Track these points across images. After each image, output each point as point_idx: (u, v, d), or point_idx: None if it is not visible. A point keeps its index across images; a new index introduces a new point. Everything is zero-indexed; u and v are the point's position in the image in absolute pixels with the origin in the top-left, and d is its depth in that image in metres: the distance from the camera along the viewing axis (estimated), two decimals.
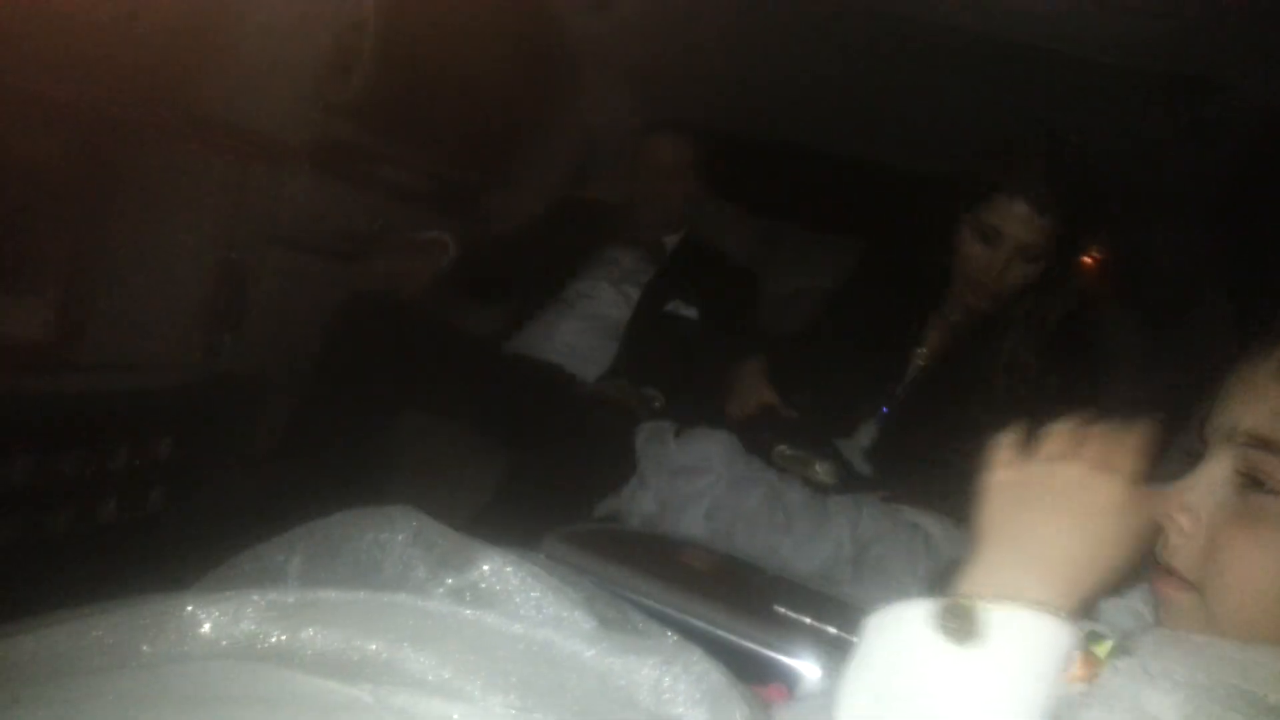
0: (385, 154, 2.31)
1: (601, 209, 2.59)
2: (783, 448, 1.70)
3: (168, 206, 1.72)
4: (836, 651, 1.25)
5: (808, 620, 1.35)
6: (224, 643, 0.65)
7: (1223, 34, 1.84)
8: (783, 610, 1.36)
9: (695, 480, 1.61)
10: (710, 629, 1.27)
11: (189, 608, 0.65)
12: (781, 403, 1.85)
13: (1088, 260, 1.95)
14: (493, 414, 2.09)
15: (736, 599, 1.38)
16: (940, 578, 1.57)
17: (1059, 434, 0.75)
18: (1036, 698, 0.63)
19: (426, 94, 2.28)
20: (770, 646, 1.25)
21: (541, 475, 1.86)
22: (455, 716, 0.64)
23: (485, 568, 0.78)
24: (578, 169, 2.96)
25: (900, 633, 0.66)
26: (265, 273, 1.99)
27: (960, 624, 0.64)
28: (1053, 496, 0.71)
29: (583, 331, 2.31)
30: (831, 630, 1.36)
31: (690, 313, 2.35)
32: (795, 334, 2.15)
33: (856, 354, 1.89)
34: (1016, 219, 1.70)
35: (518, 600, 0.76)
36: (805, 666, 1.24)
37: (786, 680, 1.21)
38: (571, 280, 2.39)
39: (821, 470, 1.72)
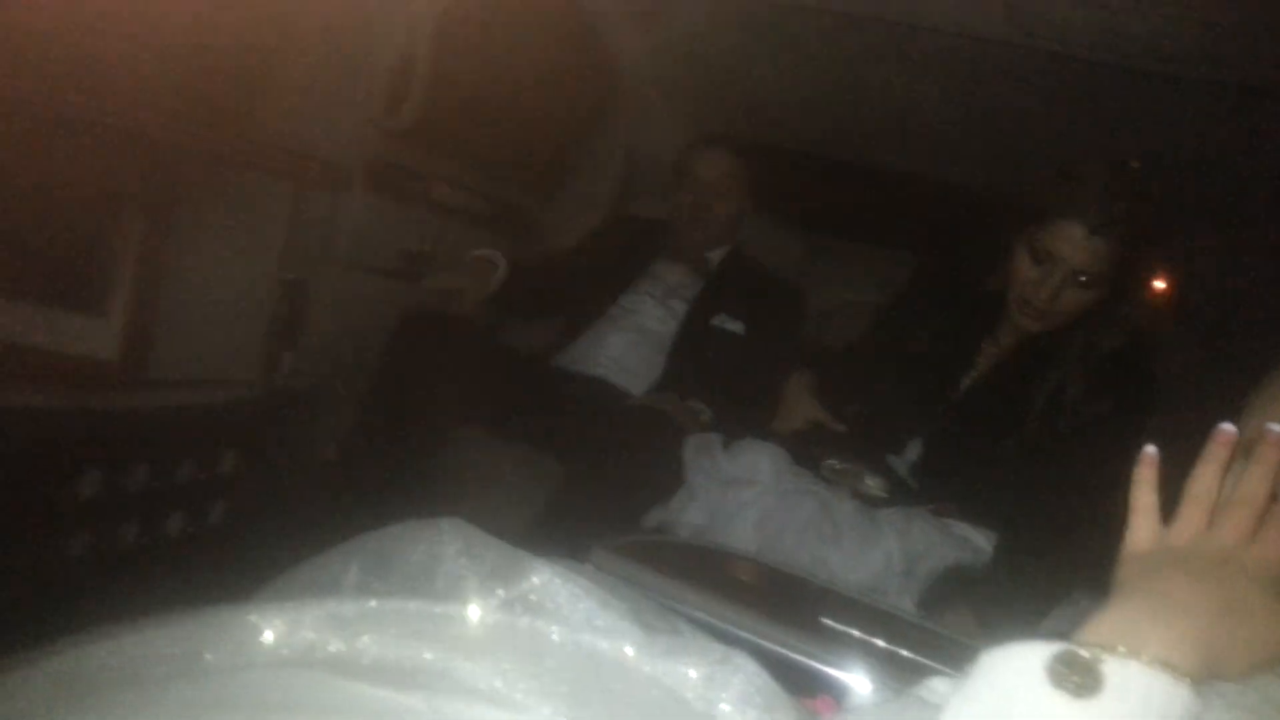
0: (438, 175, 2.37)
1: (647, 225, 2.62)
2: (832, 461, 1.71)
3: (230, 228, 1.78)
4: (885, 664, 1.25)
5: (856, 633, 1.35)
6: (284, 652, 0.68)
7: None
8: (831, 622, 1.36)
9: (744, 491, 1.62)
10: (757, 640, 1.27)
11: (251, 618, 0.68)
12: (830, 416, 1.85)
13: (1149, 290, 1.91)
14: (543, 428, 2.12)
15: (784, 610, 1.38)
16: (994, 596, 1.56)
17: (1240, 512, 0.71)
18: None
19: (477, 117, 2.33)
20: (818, 658, 1.25)
21: (591, 488, 1.88)
22: None
23: (535, 580, 0.80)
24: (623, 185, 2.99)
25: (1013, 675, 0.62)
26: (323, 291, 2.05)
27: (1078, 676, 0.60)
28: (1214, 568, 0.68)
29: (630, 346, 2.34)
30: (880, 643, 1.36)
31: (736, 327, 2.37)
32: (844, 349, 2.15)
33: (906, 370, 1.89)
34: (1071, 242, 1.67)
35: (566, 611, 0.78)
36: (854, 679, 1.24)
37: (835, 693, 1.21)
38: (619, 296, 2.41)
39: (871, 484, 1.72)
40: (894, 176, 2.87)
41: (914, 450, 1.87)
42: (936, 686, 0.77)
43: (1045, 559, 1.56)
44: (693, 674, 0.71)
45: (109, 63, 1.74)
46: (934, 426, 1.84)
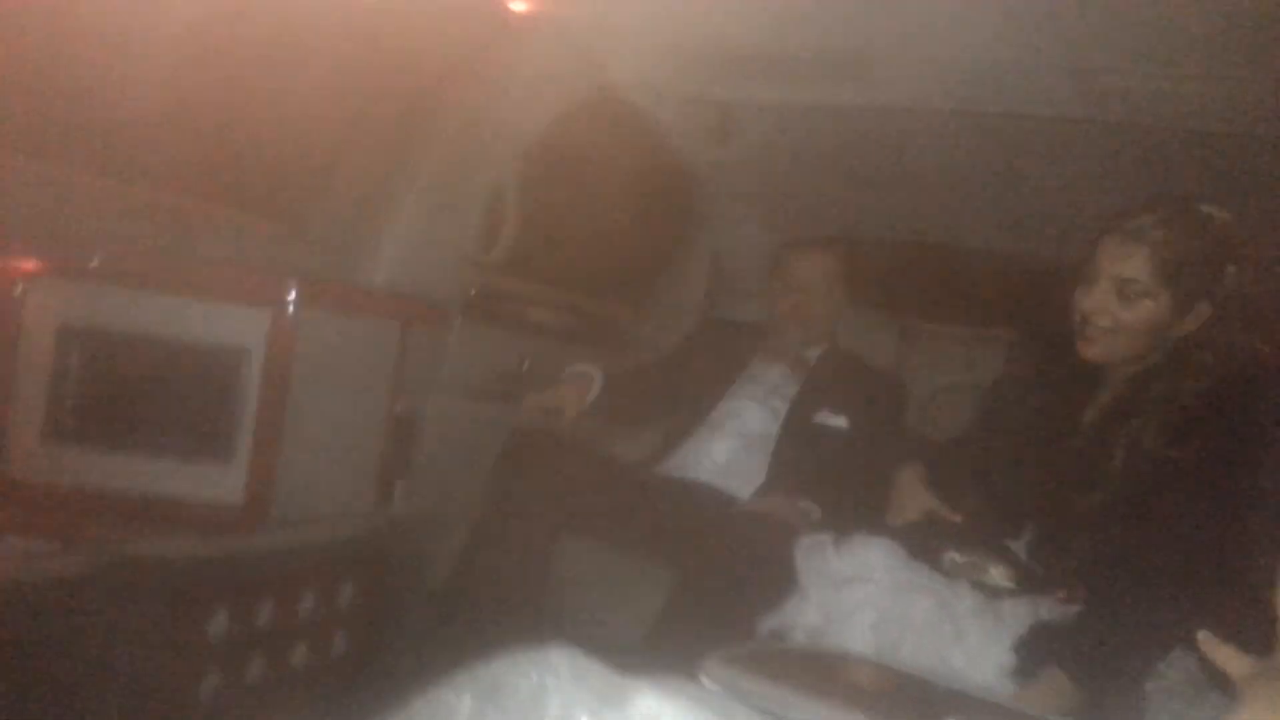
0: (531, 299, 2.47)
1: (739, 328, 2.65)
2: (953, 554, 1.65)
3: (342, 370, 1.88)
4: None
5: None
6: None
7: None
8: None
9: (858, 590, 1.58)
10: None
11: None
12: (944, 506, 1.80)
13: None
14: (652, 537, 2.13)
15: (907, 716, 1.34)
16: None
17: None
18: None
19: (566, 241, 2.43)
20: None
21: (703, 596, 1.87)
22: None
23: (642, 705, 0.80)
24: (710, 291, 3.05)
25: None
26: (431, 421, 2.14)
27: None
28: None
29: (733, 450, 2.34)
30: None
31: (839, 423, 2.35)
32: (951, 438, 2.11)
33: (1014, 452, 1.84)
34: (1108, 252, 1.65)
35: None
36: None
37: None
38: (719, 400, 2.43)
39: (996, 573, 1.66)
40: (979, 256, 2.85)
41: (1033, 531, 1.80)
42: None
43: (1138, 613, 1.48)
44: None
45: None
46: (1048, 505, 1.78)
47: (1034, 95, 2.02)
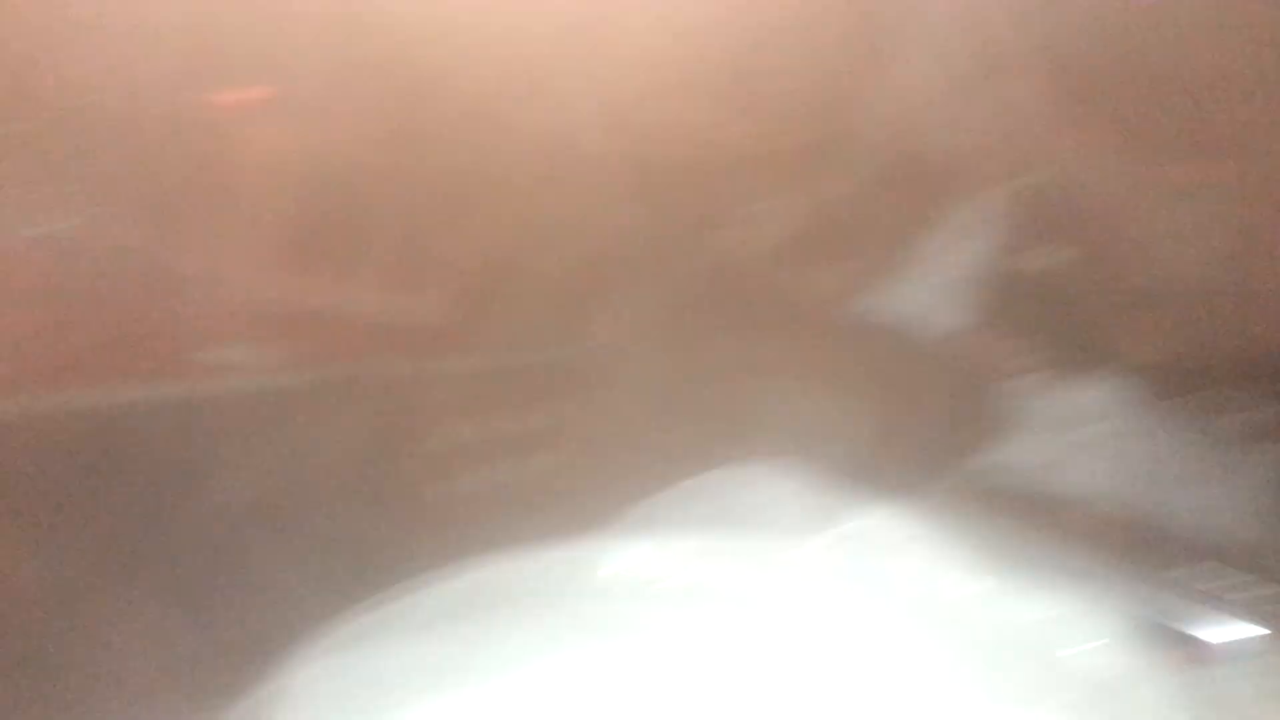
0: None
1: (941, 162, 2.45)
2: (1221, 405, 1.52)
3: None
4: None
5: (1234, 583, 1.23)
6: (634, 581, 0.72)
7: None
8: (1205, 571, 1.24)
9: (1086, 430, 1.50)
10: None
11: (606, 551, 0.73)
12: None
13: None
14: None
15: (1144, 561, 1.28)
16: None
17: None
18: None
19: None
20: None
21: (896, 436, 1.83)
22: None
23: (874, 517, 0.79)
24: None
25: None
26: None
27: None
28: None
29: (933, 291, 2.22)
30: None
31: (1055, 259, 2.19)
32: None
33: None
34: None
35: (908, 548, 0.76)
36: None
37: None
38: (914, 241, 2.29)
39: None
40: None
41: None
42: None
43: None
44: (1042, 614, 0.67)
45: None
46: None
47: None
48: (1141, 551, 1.38)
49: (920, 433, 1.83)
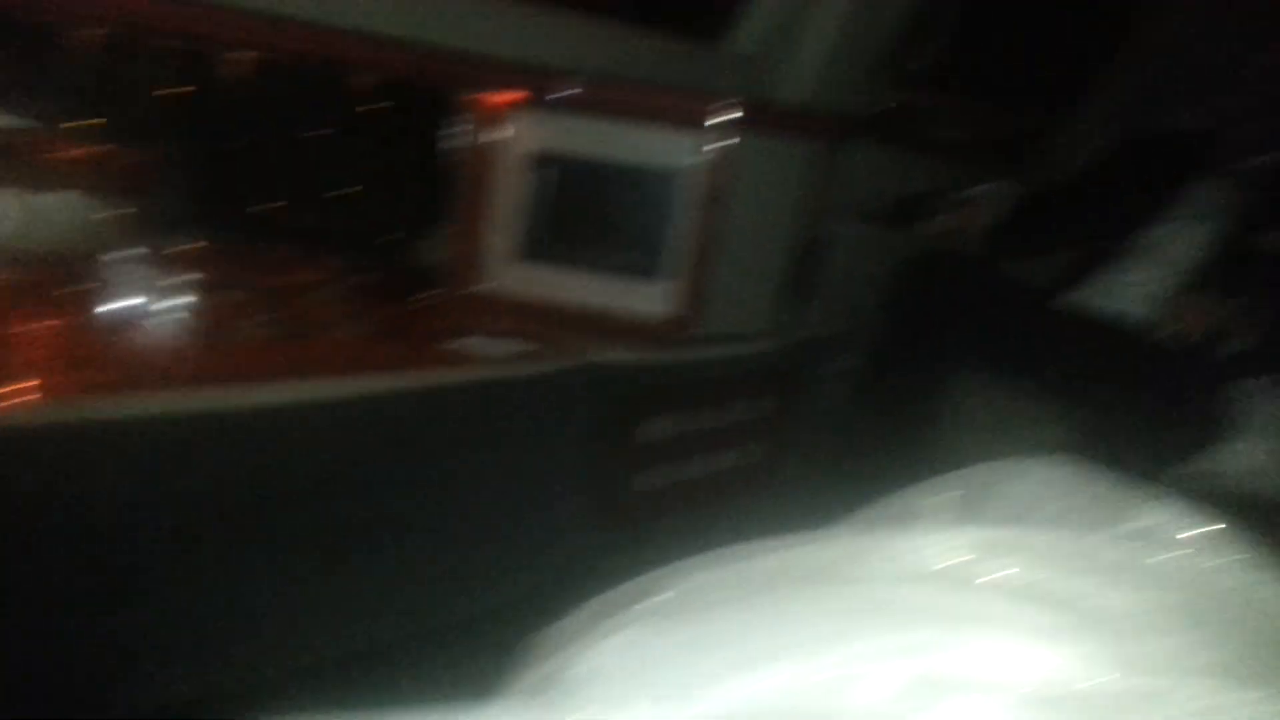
0: (947, 112, 2.36)
1: (1177, 139, 2.33)
2: None
3: (761, 194, 1.92)
4: None
5: None
6: (932, 569, 0.75)
7: None
8: None
9: None
10: None
11: (907, 537, 0.76)
12: None
13: None
14: (1061, 374, 2.02)
15: None
16: None
17: None
18: None
19: (994, 46, 2.26)
20: None
21: (1115, 437, 1.77)
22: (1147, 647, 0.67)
23: (1155, 515, 0.79)
24: (1148, 95, 2.70)
25: None
26: (838, 244, 2.15)
27: None
28: None
29: (1160, 280, 2.12)
30: None
31: None
32: None
33: None
34: None
35: (1192, 545, 0.76)
36: None
37: None
38: (1144, 224, 2.19)
39: None
40: None
41: None
42: None
43: None
44: None
45: None
46: None
47: None
48: None
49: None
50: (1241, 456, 1.61)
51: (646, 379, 1.80)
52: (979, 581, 0.73)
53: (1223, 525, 0.80)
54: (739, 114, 1.78)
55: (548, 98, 1.79)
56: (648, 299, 1.85)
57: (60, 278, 1.33)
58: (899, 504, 1.00)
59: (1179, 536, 0.76)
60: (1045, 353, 2.07)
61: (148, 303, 1.33)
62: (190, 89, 1.57)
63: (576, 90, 1.78)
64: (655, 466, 1.82)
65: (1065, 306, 2.18)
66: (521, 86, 1.80)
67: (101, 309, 1.31)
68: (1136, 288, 2.14)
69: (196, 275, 1.38)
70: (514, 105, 1.82)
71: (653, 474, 1.82)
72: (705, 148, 1.78)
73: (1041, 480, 0.86)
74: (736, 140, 1.79)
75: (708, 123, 1.78)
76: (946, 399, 2.16)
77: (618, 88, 1.83)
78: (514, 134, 1.83)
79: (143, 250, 1.39)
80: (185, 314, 1.35)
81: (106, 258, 1.36)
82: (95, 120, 1.49)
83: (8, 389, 1.05)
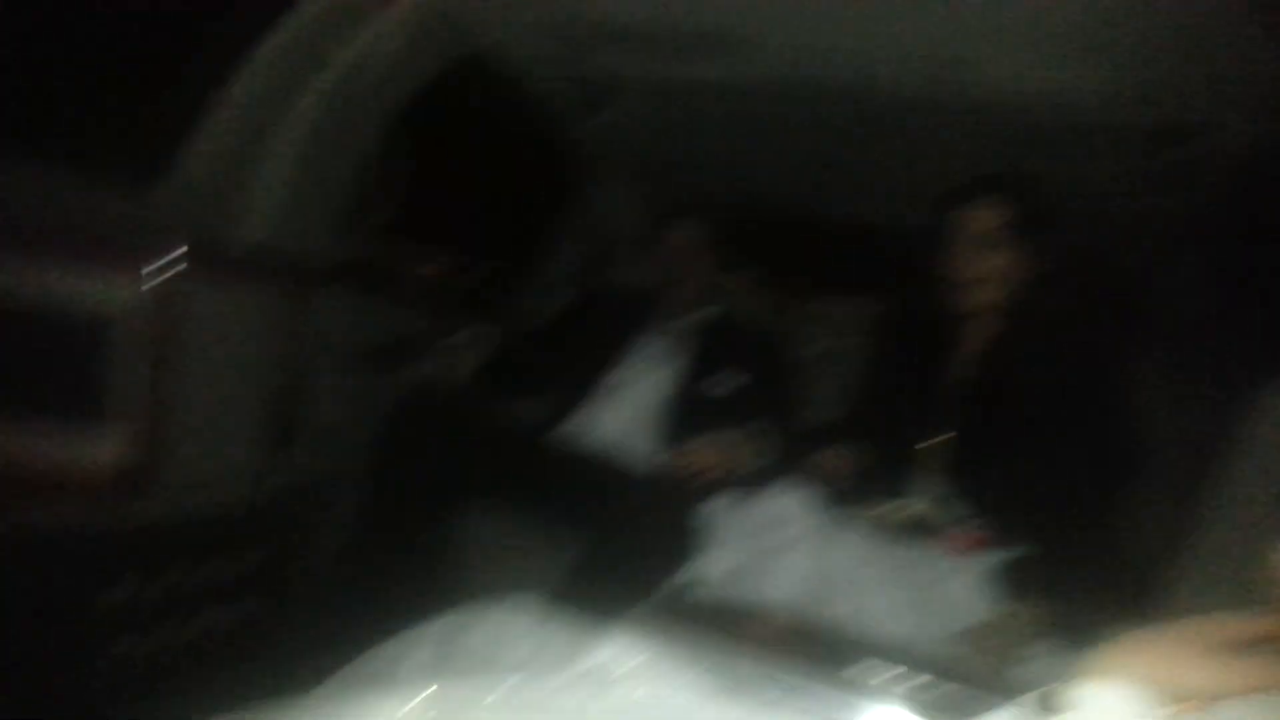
0: (409, 264, 2.41)
1: (628, 296, 2.65)
2: (879, 502, 1.75)
3: (223, 336, 1.79)
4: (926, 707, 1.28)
5: (893, 678, 1.38)
6: None
7: (1193, 85, 1.94)
8: (867, 670, 1.39)
9: (781, 533, 1.64)
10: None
11: (358, 706, 0.69)
12: (852, 459, 1.91)
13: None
14: (548, 506, 2.11)
15: (820, 661, 1.40)
16: None
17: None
18: None
19: (448, 206, 2.38)
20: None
21: (603, 563, 1.89)
22: None
23: (614, 649, 0.81)
24: (595, 258, 3.05)
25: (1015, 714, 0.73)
26: (317, 386, 2.06)
27: (1053, 700, 0.71)
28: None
29: (626, 419, 2.35)
30: (918, 685, 1.39)
31: (729, 387, 2.40)
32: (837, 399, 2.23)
33: (900, 405, 1.98)
34: (966, 216, 1.95)
35: (643, 674, 0.79)
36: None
37: None
38: (608, 369, 2.43)
39: (921, 508, 1.78)
40: (857, 227, 2.96)
41: (929, 470, 1.94)
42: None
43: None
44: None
45: None
46: (944, 448, 1.92)
47: (908, 79, 2.12)
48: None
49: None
50: (720, 564, 1.77)
51: (101, 540, 1.55)
52: None
53: (681, 649, 0.86)
54: (185, 253, 1.64)
55: None
56: (90, 453, 1.60)
57: None
58: (369, 662, 0.93)
59: (628, 667, 0.79)
60: (532, 489, 2.15)
61: None
62: None
63: None
64: (130, 634, 1.57)
65: (553, 443, 2.31)
66: None
67: None
68: (607, 425, 2.34)
69: None
70: None
71: (127, 643, 1.56)
72: (143, 290, 1.61)
73: (503, 625, 0.86)
74: (182, 283, 1.64)
75: (145, 264, 1.62)
76: (445, 540, 2.13)
77: (38, 225, 1.60)
78: None
79: None
80: None
81: None
82: None
83: None
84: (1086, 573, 1.62)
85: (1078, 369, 1.88)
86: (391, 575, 1.98)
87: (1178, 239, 2.52)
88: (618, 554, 1.86)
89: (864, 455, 1.91)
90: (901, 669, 1.39)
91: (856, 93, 2.22)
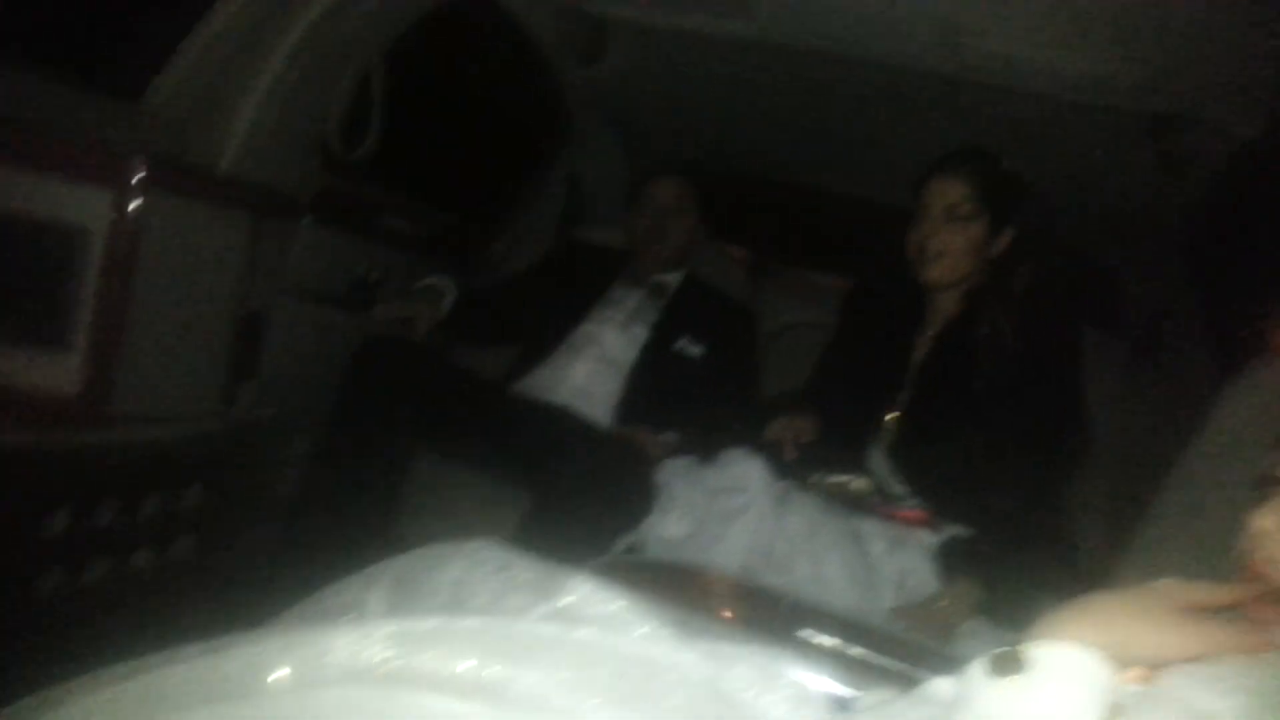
0: (385, 204, 2.37)
1: (599, 251, 2.65)
2: (820, 472, 1.76)
3: (188, 259, 1.75)
4: (867, 674, 1.30)
5: (836, 644, 1.40)
6: (347, 669, 0.69)
7: (1190, 75, 1.96)
8: (809, 635, 1.41)
9: (734, 499, 1.65)
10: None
11: (318, 637, 0.69)
12: (806, 430, 1.93)
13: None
14: (508, 455, 2.12)
15: (760, 626, 1.42)
16: None
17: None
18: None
19: (428, 148, 2.34)
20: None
21: (560, 516, 1.89)
22: None
23: (575, 592, 0.82)
24: (568, 212, 3.03)
25: (965, 675, 0.73)
26: (278, 321, 2.03)
27: (1007, 661, 0.70)
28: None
29: (592, 373, 2.35)
30: (860, 652, 1.41)
31: (697, 350, 2.41)
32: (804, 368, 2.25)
33: (866, 375, 1.99)
34: (931, 189, 1.96)
35: (609, 620, 0.80)
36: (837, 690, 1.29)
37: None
38: (577, 323, 2.43)
39: (859, 486, 1.80)
40: (834, 200, 2.97)
41: (879, 449, 1.96)
42: (940, 686, 0.81)
43: (1033, 535, 1.67)
44: (741, 674, 0.74)
45: None
46: (896, 423, 1.94)
47: (908, 51, 2.12)
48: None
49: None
50: (667, 526, 1.78)
51: (52, 464, 1.51)
52: (404, 677, 0.70)
53: (633, 599, 0.87)
54: (154, 173, 1.60)
55: None
56: (46, 372, 1.56)
57: None
58: (326, 597, 0.93)
59: (598, 613, 0.80)
60: (499, 439, 2.15)
61: None
62: None
63: None
64: (66, 564, 1.53)
65: (515, 396, 2.31)
66: None
67: None
68: (573, 380, 2.34)
69: None
70: None
71: (62, 573, 1.53)
72: (112, 206, 1.57)
73: (469, 565, 0.86)
74: (151, 202, 1.60)
75: (116, 179, 1.57)
76: (400, 483, 2.13)
77: (4, 128, 1.54)
78: None
79: None
80: None
81: None
82: None
83: None
84: (1026, 558, 1.65)
85: (1034, 353, 1.89)
86: (347, 515, 1.98)
87: (1157, 229, 2.55)
88: (573, 508, 1.87)
89: (819, 426, 1.93)
90: (843, 638, 1.42)
91: (854, 57, 2.22)
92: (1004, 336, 1.90)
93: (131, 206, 1.59)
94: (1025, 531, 1.69)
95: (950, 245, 1.94)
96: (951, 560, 1.67)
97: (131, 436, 1.65)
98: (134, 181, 1.58)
